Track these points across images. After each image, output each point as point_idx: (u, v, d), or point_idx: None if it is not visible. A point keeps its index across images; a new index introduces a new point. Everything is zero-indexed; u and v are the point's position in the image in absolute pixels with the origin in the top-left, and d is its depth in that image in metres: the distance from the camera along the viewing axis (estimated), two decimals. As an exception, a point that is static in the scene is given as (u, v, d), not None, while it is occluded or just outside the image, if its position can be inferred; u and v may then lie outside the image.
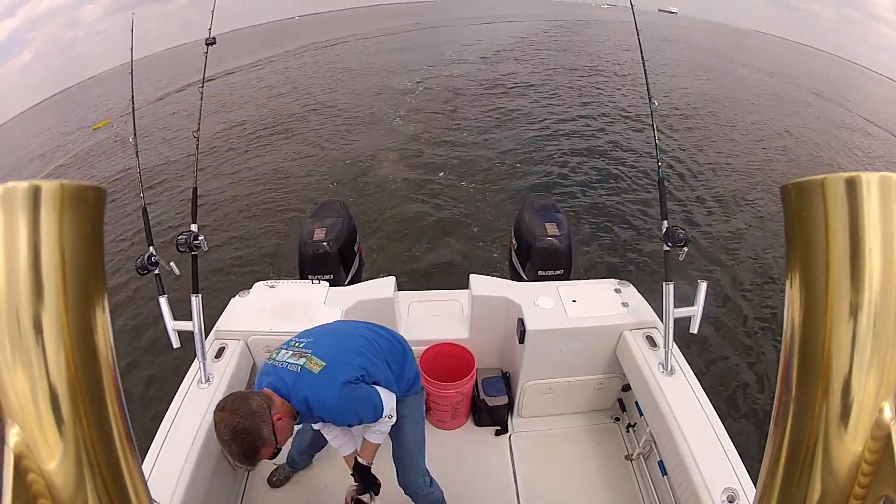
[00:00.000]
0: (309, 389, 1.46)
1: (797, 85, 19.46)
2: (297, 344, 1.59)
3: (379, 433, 1.69)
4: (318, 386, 1.46)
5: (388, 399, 1.61)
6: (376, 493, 1.76)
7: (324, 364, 1.49)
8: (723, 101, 14.06)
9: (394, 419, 1.67)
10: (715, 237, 6.43)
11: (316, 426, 1.84)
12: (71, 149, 12.78)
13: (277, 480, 2.24)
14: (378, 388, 1.58)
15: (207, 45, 2.27)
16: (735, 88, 16.15)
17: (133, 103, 2.45)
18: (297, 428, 1.96)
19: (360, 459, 1.74)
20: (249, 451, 1.33)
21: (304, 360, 1.51)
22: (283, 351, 1.58)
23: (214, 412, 1.33)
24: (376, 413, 1.56)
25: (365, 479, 1.74)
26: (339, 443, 1.78)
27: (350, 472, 1.77)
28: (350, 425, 1.64)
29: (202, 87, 2.32)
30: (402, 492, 1.85)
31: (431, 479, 1.92)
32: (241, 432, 1.30)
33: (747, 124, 12.01)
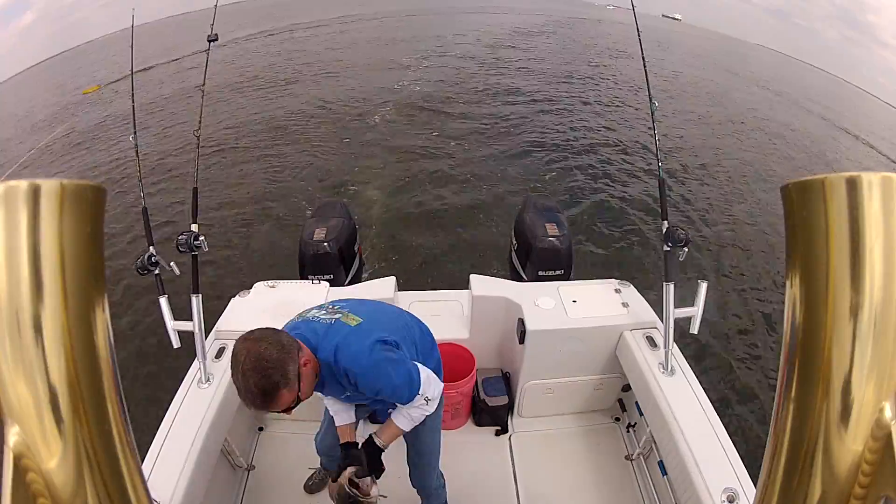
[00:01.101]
0: (342, 338, 1.33)
1: (794, 99, 19.49)
2: (331, 307, 1.49)
3: (409, 418, 1.50)
4: (351, 336, 1.34)
5: (432, 381, 1.45)
6: (378, 477, 1.64)
7: (361, 320, 1.38)
8: (724, 107, 14.10)
9: (432, 407, 1.49)
10: (715, 237, 6.44)
11: (328, 402, 1.65)
12: (63, 115, 12.87)
13: (313, 485, 2.21)
14: (420, 365, 1.45)
15: (209, 41, 2.26)
16: (735, 97, 16.17)
17: (133, 102, 2.45)
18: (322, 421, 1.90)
19: (375, 440, 1.55)
20: (270, 388, 1.15)
21: (339, 315, 1.40)
22: (315, 311, 1.47)
23: (237, 343, 1.17)
24: (412, 388, 1.39)
25: (373, 461, 1.57)
26: (336, 408, 1.62)
27: (340, 443, 1.62)
28: (377, 393, 1.42)
29: (203, 85, 2.31)
30: (407, 490, 1.85)
31: (444, 480, 1.91)
32: (266, 361, 1.14)
33: (748, 129, 12.04)
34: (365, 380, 1.36)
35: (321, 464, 2.15)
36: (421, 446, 1.73)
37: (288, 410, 1.25)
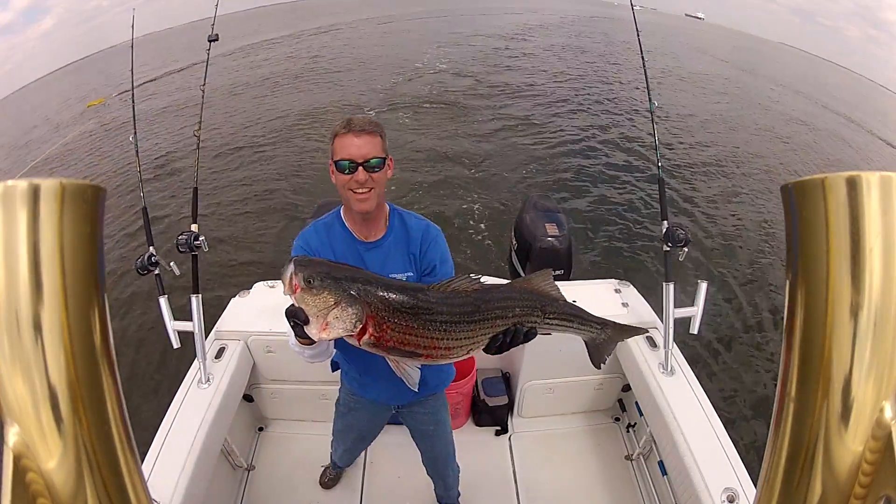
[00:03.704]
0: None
1: (813, 97, 19.25)
2: None
3: None
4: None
5: None
6: None
7: None
8: (732, 107, 14.01)
9: None
10: (715, 237, 6.43)
11: None
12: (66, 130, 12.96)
13: (329, 481, 2.25)
14: None
15: (210, 41, 2.26)
16: (749, 96, 16.03)
17: (133, 102, 2.45)
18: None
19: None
20: (378, 124, 1.24)
21: None
22: None
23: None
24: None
25: None
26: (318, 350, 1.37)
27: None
28: (440, 262, 1.38)
29: (203, 85, 2.31)
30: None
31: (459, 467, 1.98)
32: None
33: (754, 129, 12.00)
34: (437, 243, 1.36)
35: (333, 462, 2.19)
36: (442, 446, 1.79)
37: (373, 174, 1.21)
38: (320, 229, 1.38)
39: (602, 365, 1.17)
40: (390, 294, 0.92)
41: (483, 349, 1.00)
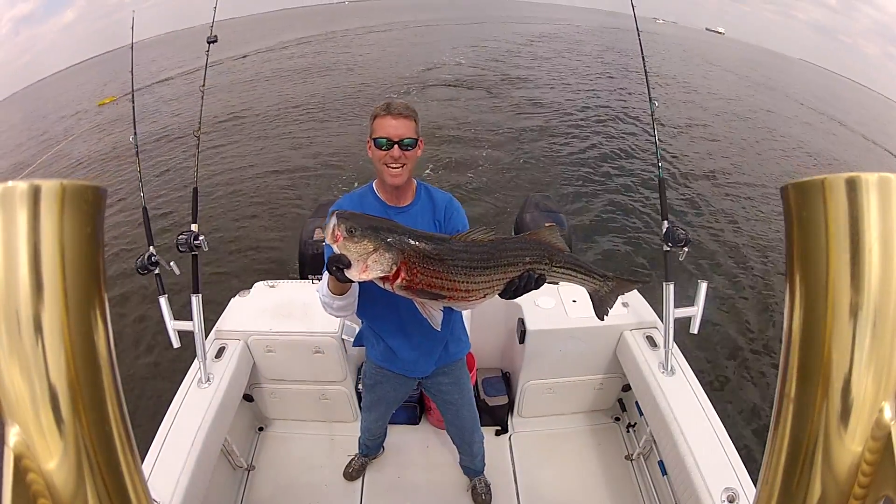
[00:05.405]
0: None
1: (828, 113, 19.14)
2: None
3: None
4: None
5: None
6: None
7: None
8: (738, 114, 13.96)
9: None
10: (716, 238, 6.43)
11: None
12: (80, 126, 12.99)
13: (353, 472, 2.26)
14: None
15: (209, 42, 2.26)
16: (755, 105, 15.97)
17: (133, 102, 2.45)
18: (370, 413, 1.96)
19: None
20: (413, 108, 1.38)
21: None
22: None
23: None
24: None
25: None
26: (349, 301, 1.44)
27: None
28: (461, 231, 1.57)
29: (203, 86, 2.31)
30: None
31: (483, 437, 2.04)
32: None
33: (757, 134, 11.99)
34: (460, 213, 1.51)
35: (360, 449, 2.22)
36: (464, 418, 1.84)
37: (406, 152, 1.34)
38: (354, 198, 1.51)
39: (605, 317, 1.26)
40: (420, 242, 1.04)
41: (500, 294, 1.11)
